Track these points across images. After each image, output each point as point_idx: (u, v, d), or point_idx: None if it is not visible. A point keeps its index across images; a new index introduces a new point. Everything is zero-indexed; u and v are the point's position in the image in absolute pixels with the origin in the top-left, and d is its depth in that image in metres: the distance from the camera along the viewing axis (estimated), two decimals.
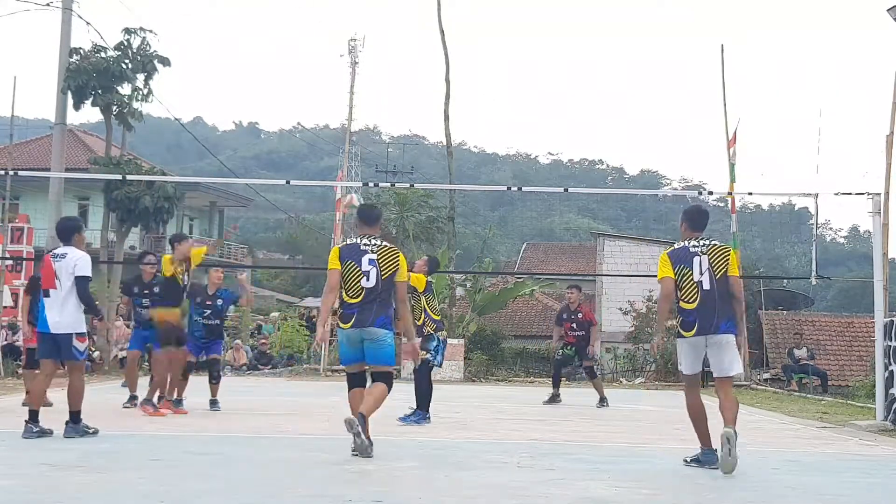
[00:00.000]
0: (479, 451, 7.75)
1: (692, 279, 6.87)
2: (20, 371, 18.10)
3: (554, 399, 13.98)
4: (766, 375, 22.98)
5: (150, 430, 8.68)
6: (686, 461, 7.00)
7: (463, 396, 15.36)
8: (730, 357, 6.85)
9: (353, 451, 6.87)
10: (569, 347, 14.04)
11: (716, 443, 6.67)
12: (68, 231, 8.31)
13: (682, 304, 6.91)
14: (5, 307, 19.57)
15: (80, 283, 8.02)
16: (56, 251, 8.27)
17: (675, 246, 7.18)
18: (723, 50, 23.63)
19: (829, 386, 20.70)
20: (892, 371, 11.46)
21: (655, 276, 7.28)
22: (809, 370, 20.93)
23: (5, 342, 18.87)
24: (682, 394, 7.13)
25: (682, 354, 7.00)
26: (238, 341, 23.94)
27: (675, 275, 6.94)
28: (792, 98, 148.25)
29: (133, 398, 11.26)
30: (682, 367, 7.04)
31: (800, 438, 9.94)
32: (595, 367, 14.91)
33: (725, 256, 6.97)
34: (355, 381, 7.25)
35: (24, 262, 20.42)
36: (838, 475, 7.06)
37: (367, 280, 7.07)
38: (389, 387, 7.12)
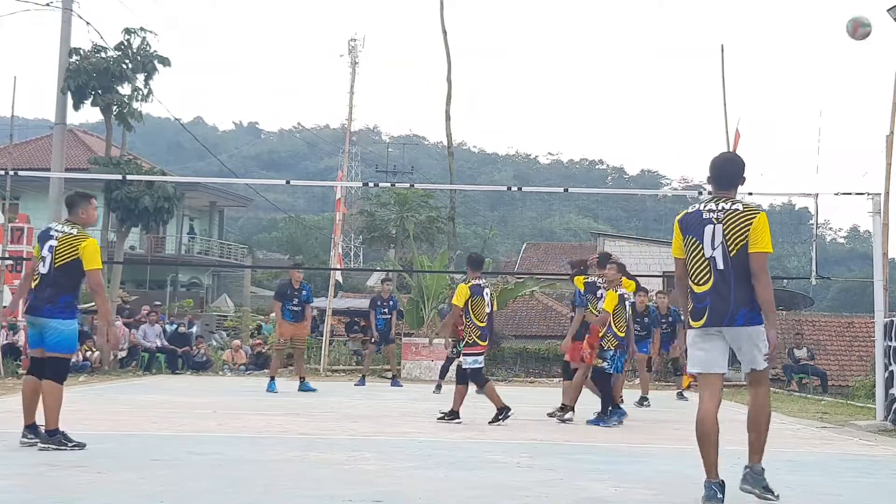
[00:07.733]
0: (479, 451, 7.74)
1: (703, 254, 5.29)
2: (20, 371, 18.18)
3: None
4: None
5: (150, 430, 8.68)
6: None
7: None
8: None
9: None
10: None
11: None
12: None
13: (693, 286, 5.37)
14: (4, 307, 19.55)
15: None
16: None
17: (688, 210, 5.49)
18: (723, 50, 23.62)
19: (829, 386, 20.72)
20: (892, 371, 11.46)
21: (656, 276, 7.14)
22: (809, 370, 20.93)
23: (6, 342, 18.86)
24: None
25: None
26: (237, 341, 23.92)
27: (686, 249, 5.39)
28: (792, 98, 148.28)
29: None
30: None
31: (800, 438, 9.93)
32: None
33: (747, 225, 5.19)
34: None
35: (24, 262, 20.40)
36: (838, 475, 7.05)
37: (44, 266, 7.08)
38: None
